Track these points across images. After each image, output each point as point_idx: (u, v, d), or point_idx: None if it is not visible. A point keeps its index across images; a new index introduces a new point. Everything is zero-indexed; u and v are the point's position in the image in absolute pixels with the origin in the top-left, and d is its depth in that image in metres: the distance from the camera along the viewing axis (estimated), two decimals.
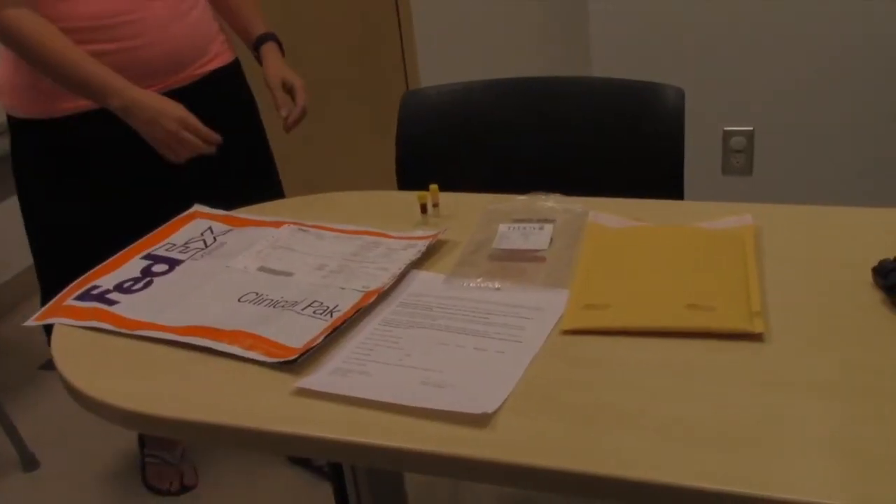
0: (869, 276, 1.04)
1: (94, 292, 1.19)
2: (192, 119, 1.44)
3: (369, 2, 2.97)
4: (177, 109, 1.43)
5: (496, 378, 0.93)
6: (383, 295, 1.12)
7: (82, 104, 1.47)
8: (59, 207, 1.53)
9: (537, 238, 1.22)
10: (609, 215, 1.24)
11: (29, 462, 2.24)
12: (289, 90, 1.58)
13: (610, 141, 1.56)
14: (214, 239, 1.32)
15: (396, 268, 1.17)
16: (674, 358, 0.94)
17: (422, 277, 1.16)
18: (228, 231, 1.34)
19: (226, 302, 1.13)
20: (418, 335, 1.02)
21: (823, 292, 1.03)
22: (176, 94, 1.55)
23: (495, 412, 0.88)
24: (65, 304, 1.18)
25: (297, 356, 0.98)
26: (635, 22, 2.22)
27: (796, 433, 0.82)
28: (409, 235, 1.26)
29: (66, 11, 1.45)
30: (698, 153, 2.19)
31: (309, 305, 1.10)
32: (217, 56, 1.65)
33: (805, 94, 2.18)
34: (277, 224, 1.34)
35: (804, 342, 0.95)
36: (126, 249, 1.31)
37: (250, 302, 1.13)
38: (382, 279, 1.14)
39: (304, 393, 0.94)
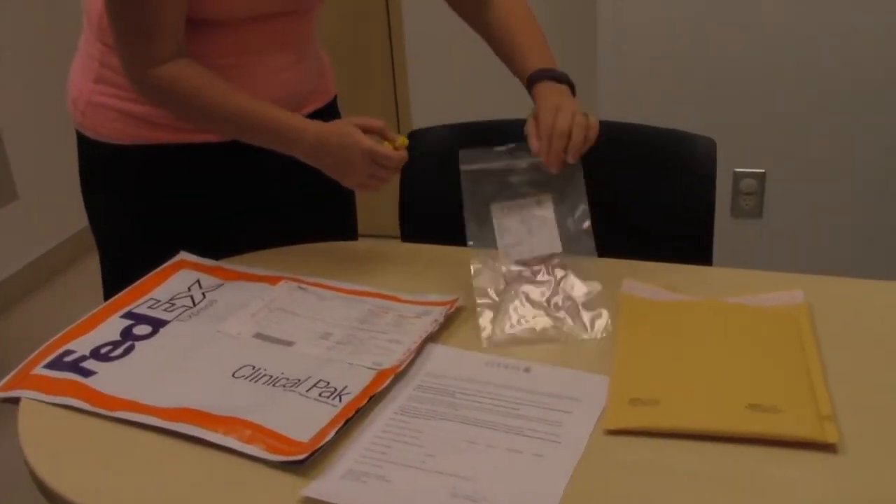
0: None
1: (68, 359, 1.05)
2: (377, 149, 1.15)
3: (362, 41, 2.86)
4: (357, 142, 1.15)
5: (536, 491, 0.81)
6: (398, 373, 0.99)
7: (162, 136, 1.28)
8: (134, 235, 1.34)
9: (541, 226, 1.11)
10: (643, 285, 1.13)
11: None
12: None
13: (633, 191, 1.44)
14: (203, 295, 1.18)
15: (410, 341, 1.04)
16: (734, 468, 0.83)
17: (438, 353, 1.04)
18: (219, 286, 1.20)
19: (218, 377, 1.00)
20: (441, 429, 0.90)
21: None
22: None
23: None
24: (33, 372, 1.04)
25: (305, 456, 0.85)
26: (643, 61, 2.12)
27: None
28: (422, 300, 1.14)
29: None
30: None
31: (314, 385, 0.97)
32: (319, 95, 1.40)
33: (819, 137, 2.09)
34: (274, 280, 1.21)
35: (882, 452, 0.84)
36: (103, 305, 1.17)
37: (246, 378, 1.00)
38: (396, 355, 1.02)
39: (312, 503, 0.81)
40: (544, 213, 1.14)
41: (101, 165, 1.33)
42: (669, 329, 1.03)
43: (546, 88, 1.21)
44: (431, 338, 1.06)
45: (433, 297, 1.14)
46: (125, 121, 1.27)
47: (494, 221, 1.14)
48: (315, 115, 1.38)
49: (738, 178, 2.16)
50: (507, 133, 1.51)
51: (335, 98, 1.45)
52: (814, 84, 2.05)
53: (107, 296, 1.33)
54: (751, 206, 2.18)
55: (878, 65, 2.00)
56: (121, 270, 1.28)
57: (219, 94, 1.19)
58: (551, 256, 1.12)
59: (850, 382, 0.94)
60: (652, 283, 1.14)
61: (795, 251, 2.20)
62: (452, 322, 1.10)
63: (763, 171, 2.16)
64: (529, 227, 1.13)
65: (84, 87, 1.29)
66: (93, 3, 1.26)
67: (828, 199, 2.14)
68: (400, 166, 1.19)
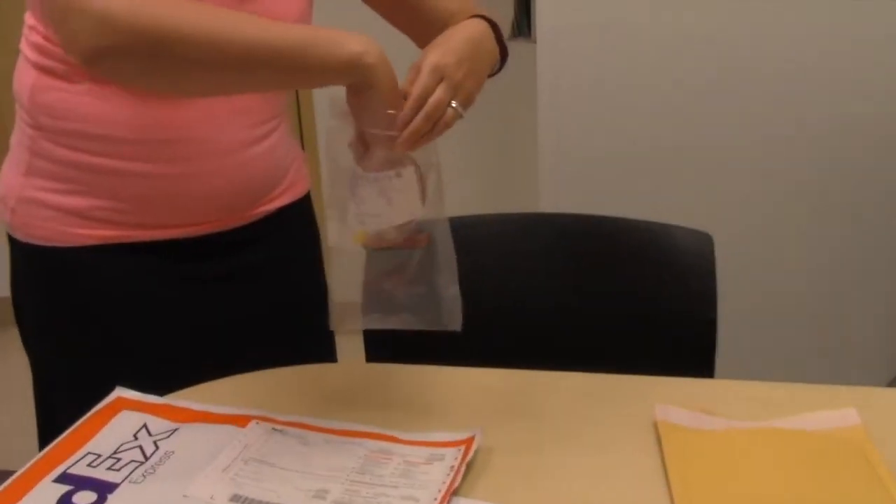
0: None
1: None
2: None
3: None
4: None
5: None
6: None
7: (106, 233, 1.07)
8: (70, 357, 1.12)
9: (400, 195, 0.93)
10: (678, 410, 0.99)
11: None
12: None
13: (625, 294, 1.33)
14: (156, 445, 0.97)
15: (430, 497, 0.86)
16: None
17: None
18: (173, 431, 0.99)
19: None
20: None
21: None
22: (227, 237, 1.13)
23: None
24: None
25: None
26: (587, 153, 2.05)
27: None
28: (427, 440, 0.97)
29: (95, 112, 1.01)
30: None
31: None
32: (290, 187, 1.19)
33: (770, 237, 2.06)
34: (241, 420, 1.01)
35: None
36: (29, 465, 0.94)
37: None
38: None
39: None
40: (404, 182, 0.95)
41: (34, 274, 1.11)
42: (728, 466, 0.90)
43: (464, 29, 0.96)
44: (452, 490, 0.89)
45: (441, 436, 0.97)
46: (62, 219, 1.06)
47: (349, 191, 0.94)
48: (286, 211, 1.19)
49: None
50: (468, 233, 1.38)
51: (309, 192, 1.25)
52: (766, 183, 2.02)
53: (42, 439, 1.10)
54: None
55: (831, 165, 1.98)
56: (60, 403, 1.06)
57: (221, 16, 0.86)
58: (410, 223, 0.96)
59: None
60: (676, 403, 1.01)
61: (749, 350, 2.14)
62: (471, 465, 0.93)
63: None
64: (388, 197, 0.96)
65: (14, 182, 1.08)
66: (22, 78, 1.06)
67: (780, 297, 2.10)
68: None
